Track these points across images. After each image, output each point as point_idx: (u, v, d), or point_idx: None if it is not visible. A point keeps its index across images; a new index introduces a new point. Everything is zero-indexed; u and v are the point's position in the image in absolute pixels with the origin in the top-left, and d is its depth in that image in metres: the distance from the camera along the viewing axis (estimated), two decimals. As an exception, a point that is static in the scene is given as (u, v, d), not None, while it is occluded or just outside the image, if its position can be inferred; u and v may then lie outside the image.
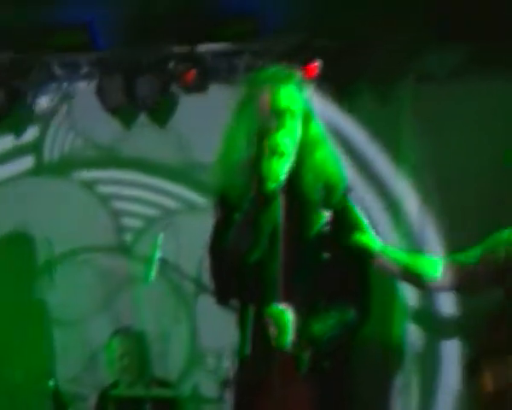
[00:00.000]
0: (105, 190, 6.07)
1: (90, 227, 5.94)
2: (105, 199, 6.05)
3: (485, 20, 5.09)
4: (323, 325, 3.02)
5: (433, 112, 5.57)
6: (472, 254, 3.90)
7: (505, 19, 5.00)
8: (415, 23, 5.25)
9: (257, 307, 3.07)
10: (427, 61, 5.47)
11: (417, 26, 5.26)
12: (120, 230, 6.02)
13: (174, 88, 5.70)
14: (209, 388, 5.11)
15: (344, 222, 3.17)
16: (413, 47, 5.37)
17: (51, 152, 6.12)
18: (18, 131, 6.05)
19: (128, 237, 5.98)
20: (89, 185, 6.05)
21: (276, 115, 3.05)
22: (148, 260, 4.99)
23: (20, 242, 5.94)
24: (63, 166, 6.11)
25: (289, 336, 2.94)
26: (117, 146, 6.04)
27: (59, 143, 6.12)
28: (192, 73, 5.49)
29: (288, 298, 2.99)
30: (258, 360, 3.07)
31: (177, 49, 5.55)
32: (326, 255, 3.10)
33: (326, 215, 3.11)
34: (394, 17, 5.19)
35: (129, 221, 6.04)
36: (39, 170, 6.14)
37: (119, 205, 6.06)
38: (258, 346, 3.06)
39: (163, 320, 5.75)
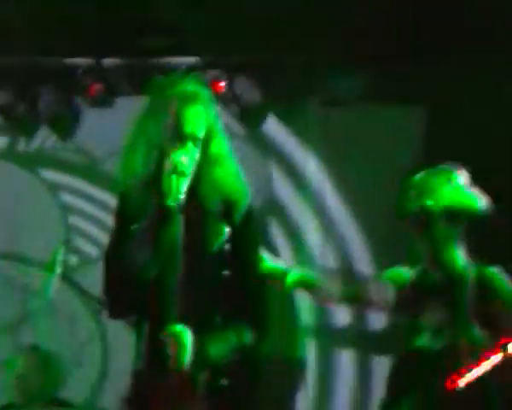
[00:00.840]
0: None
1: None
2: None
3: (387, 47, 5.08)
4: (220, 346, 3.02)
5: (338, 135, 5.59)
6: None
7: (406, 45, 5.03)
8: (318, 46, 5.23)
9: (153, 323, 3.05)
10: (332, 85, 5.47)
11: (320, 50, 5.24)
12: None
13: (78, 100, 5.61)
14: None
15: (244, 240, 3.17)
16: (316, 70, 5.35)
17: None
18: None
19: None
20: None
21: (179, 136, 3.07)
22: (46, 275, 4.80)
23: None
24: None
25: (187, 357, 2.94)
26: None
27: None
28: (96, 87, 5.36)
29: (185, 315, 2.98)
30: (152, 376, 3.06)
31: (82, 61, 5.48)
32: (225, 273, 3.09)
33: (226, 232, 3.11)
34: (298, 39, 5.17)
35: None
36: None
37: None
38: (152, 362, 3.05)
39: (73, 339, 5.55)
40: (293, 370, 5.36)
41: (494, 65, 5.25)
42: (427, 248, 4.25)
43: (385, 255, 5.35)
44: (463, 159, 4.42)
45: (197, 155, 3.10)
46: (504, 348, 3.92)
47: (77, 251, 5.61)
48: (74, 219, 5.99)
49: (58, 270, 4.81)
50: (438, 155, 5.15)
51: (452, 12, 5.25)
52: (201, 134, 3.10)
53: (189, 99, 3.12)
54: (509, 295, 4.19)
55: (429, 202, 4.17)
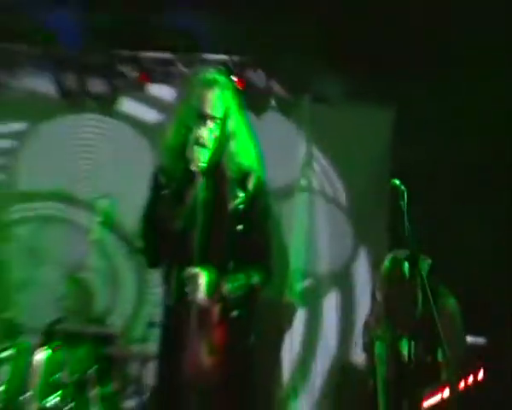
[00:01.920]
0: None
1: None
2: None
3: (366, 53, 4.91)
4: (232, 285, 3.00)
5: (324, 133, 5.43)
6: None
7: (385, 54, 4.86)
8: (307, 48, 5.07)
9: (179, 267, 3.01)
10: (320, 85, 5.32)
11: (309, 52, 5.09)
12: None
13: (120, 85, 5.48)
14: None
15: (255, 204, 3.12)
16: (305, 70, 5.20)
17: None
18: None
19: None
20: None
21: (201, 116, 3.05)
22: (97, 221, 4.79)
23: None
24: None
25: (204, 292, 2.92)
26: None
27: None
28: (135, 74, 5.31)
29: (205, 261, 2.96)
30: (178, 308, 3.03)
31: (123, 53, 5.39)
32: (239, 228, 3.06)
33: (240, 195, 3.08)
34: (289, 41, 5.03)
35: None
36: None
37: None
38: (178, 297, 3.03)
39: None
40: (285, 309, 5.25)
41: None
42: None
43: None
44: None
45: (216, 131, 3.07)
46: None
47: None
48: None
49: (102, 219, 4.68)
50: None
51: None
52: (219, 114, 3.07)
53: (209, 85, 3.09)
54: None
55: None
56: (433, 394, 3.65)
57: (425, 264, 3.69)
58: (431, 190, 4.92)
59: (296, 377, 5.20)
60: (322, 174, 5.56)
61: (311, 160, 5.52)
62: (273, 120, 5.39)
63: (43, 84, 5.50)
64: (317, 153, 5.50)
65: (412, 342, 3.69)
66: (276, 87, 5.28)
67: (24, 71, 5.49)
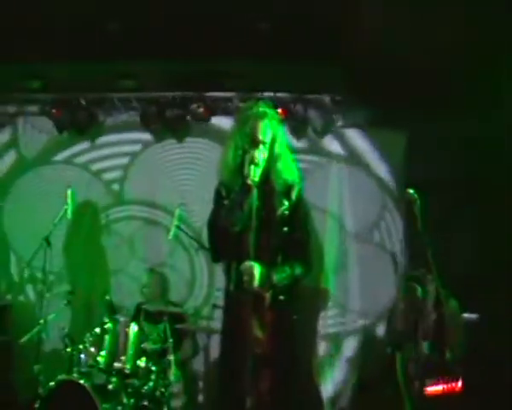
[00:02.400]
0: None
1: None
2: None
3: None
4: (280, 275, 3.09)
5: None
6: None
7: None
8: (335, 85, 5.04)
9: (238, 262, 3.09)
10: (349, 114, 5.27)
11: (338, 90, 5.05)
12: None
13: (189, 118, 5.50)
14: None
15: (297, 210, 3.18)
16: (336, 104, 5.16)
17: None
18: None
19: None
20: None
21: (254, 141, 3.12)
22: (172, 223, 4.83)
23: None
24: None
25: (257, 282, 3.01)
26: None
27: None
28: (201, 109, 5.33)
29: (257, 257, 3.04)
30: (236, 294, 3.11)
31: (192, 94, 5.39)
32: (285, 230, 3.13)
33: (285, 203, 3.15)
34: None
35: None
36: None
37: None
38: (236, 285, 3.09)
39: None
40: (321, 295, 5.20)
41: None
42: None
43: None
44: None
45: (266, 153, 3.15)
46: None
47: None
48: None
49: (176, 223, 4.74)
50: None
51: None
52: (268, 139, 3.18)
53: (259, 116, 3.20)
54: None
55: None
56: (437, 383, 3.57)
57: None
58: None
59: (330, 348, 5.15)
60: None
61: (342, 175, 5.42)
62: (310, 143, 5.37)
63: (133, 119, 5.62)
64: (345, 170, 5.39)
65: (425, 344, 3.68)
66: (312, 116, 5.23)
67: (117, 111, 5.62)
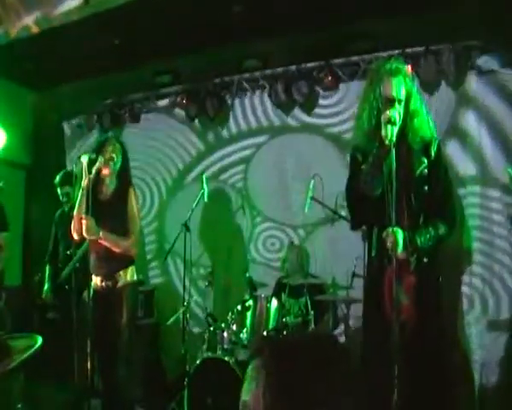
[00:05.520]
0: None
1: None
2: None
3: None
4: (424, 238, 3.02)
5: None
6: None
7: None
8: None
9: (379, 227, 3.04)
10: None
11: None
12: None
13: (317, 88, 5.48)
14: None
15: (436, 166, 3.09)
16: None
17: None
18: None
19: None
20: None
21: (389, 99, 3.05)
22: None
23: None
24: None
25: (401, 247, 2.95)
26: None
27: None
28: (328, 78, 5.28)
29: (399, 220, 2.95)
30: (380, 260, 3.06)
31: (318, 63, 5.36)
32: (425, 189, 3.05)
33: (424, 161, 3.07)
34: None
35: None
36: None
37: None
38: (379, 251, 3.06)
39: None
40: (464, 254, 4.81)
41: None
42: None
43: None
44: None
45: (401, 111, 3.09)
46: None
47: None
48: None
49: (310, 194, 4.71)
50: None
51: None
52: (403, 96, 3.10)
53: (393, 73, 3.10)
54: None
55: None
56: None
57: None
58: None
59: (475, 307, 4.80)
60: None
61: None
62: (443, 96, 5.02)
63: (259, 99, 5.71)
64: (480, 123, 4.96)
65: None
66: (446, 67, 4.90)
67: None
